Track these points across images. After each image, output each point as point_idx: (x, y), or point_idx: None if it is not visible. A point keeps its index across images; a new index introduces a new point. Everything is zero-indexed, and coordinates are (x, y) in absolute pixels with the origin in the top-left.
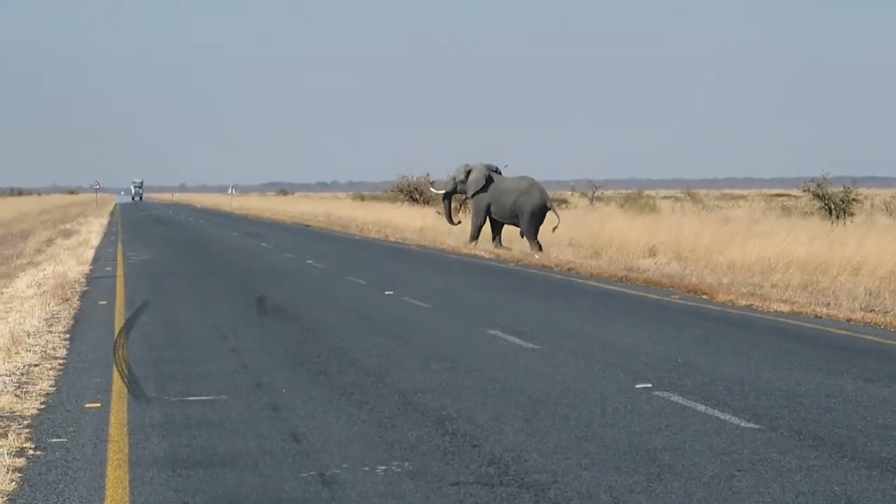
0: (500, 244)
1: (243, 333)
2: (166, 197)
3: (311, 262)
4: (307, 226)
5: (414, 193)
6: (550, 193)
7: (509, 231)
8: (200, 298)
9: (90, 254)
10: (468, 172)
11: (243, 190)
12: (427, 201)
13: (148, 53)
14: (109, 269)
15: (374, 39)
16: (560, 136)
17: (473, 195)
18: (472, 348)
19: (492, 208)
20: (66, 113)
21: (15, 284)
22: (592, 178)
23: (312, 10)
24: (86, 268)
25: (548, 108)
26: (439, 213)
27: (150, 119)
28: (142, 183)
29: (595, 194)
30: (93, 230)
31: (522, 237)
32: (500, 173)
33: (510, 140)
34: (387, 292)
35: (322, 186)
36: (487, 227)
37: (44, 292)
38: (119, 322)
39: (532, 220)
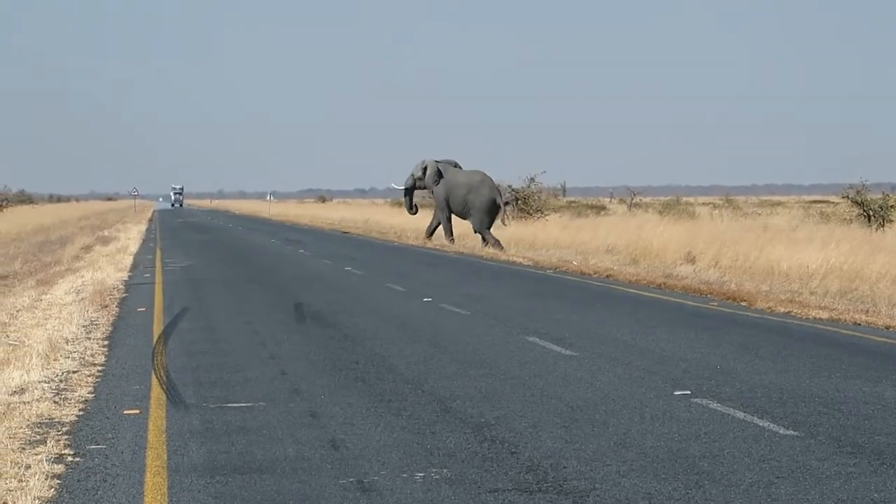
0: (452, 240)
1: (282, 340)
2: (205, 203)
3: (349, 268)
4: (345, 232)
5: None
6: (589, 200)
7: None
8: (239, 305)
9: (129, 260)
10: (424, 169)
11: (281, 196)
12: None
13: (186, 60)
14: (148, 275)
15: (413, 46)
16: (599, 143)
17: (433, 191)
18: (510, 355)
19: (448, 201)
20: (106, 120)
21: (54, 291)
22: (631, 185)
23: (358, 18)
24: (124, 274)
25: (586, 114)
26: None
27: (188, 126)
28: (182, 189)
29: (633, 201)
30: (131, 237)
31: (475, 232)
32: (458, 167)
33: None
34: (425, 299)
35: (360, 193)
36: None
37: (82, 299)
38: (158, 328)
39: (481, 216)
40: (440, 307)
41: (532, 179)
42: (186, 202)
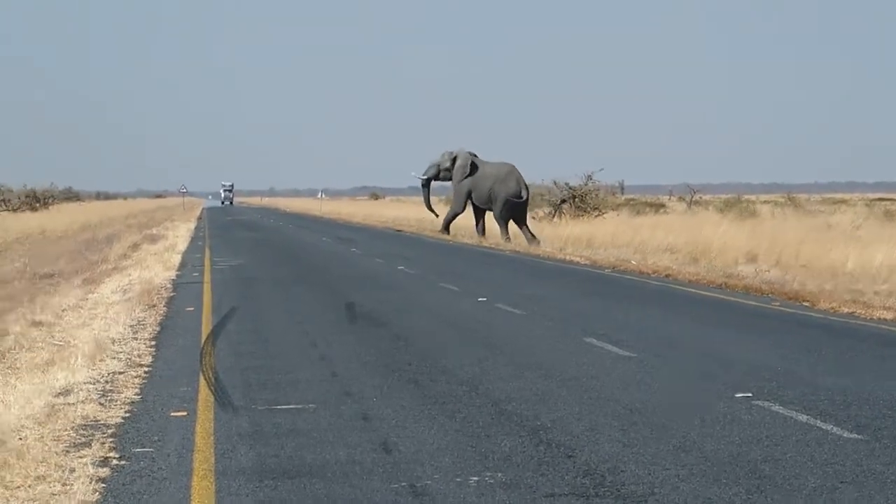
0: (483, 234)
1: (333, 340)
2: (255, 201)
3: (401, 267)
4: (398, 231)
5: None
6: (648, 198)
7: (576, 230)
8: (289, 305)
9: (177, 259)
10: (454, 159)
11: (333, 194)
12: None
13: (238, 55)
14: (196, 274)
15: (461, 41)
16: (658, 141)
17: (459, 182)
18: (567, 357)
19: (472, 194)
20: (154, 116)
21: (100, 290)
22: (690, 183)
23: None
24: (172, 273)
25: (646, 112)
26: (534, 217)
27: (239, 121)
28: (232, 186)
29: (693, 199)
30: (179, 235)
31: (478, 225)
32: (477, 157)
33: (607, 144)
34: (479, 299)
35: (415, 191)
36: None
37: (129, 298)
38: (206, 329)
39: (505, 208)
40: (495, 307)
41: (589, 177)
42: (237, 200)
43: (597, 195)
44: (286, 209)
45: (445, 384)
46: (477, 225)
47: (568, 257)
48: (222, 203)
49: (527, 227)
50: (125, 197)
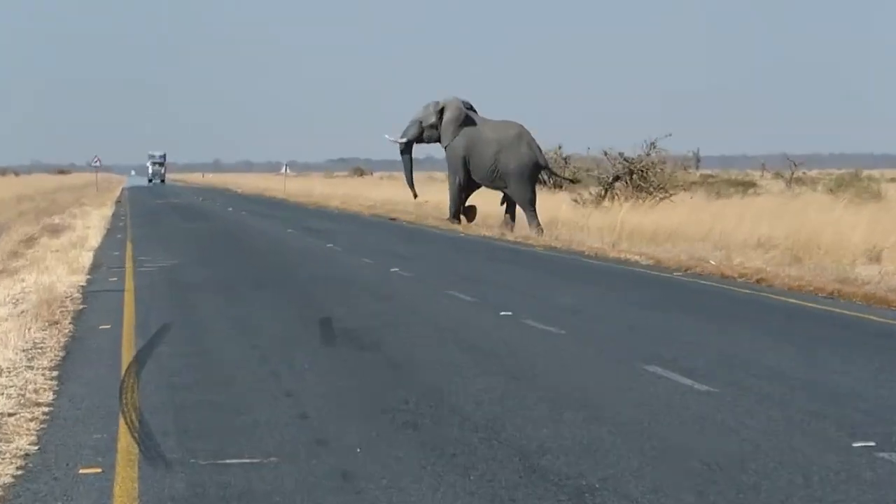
0: (512, 221)
1: (302, 370)
2: (195, 178)
3: (396, 269)
4: (392, 219)
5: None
6: (733, 174)
7: (634, 218)
8: (243, 321)
9: (87, 258)
10: (440, 111)
11: (302, 168)
12: (559, 184)
13: None
14: (115, 279)
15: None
16: (743, 99)
17: (447, 146)
18: (621, 391)
19: (470, 164)
20: (54, 66)
21: None
22: (790, 154)
23: None
24: (81, 278)
25: (727, 65)
26: (577, 200)
27: (172, 70)
28: (163, 158)
29: (794, 175)
30: (92, 224)
31: (506, 210)
32: (475, 112)
33: (677, 106)
34: (502, 312)
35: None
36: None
37: (22, 312)
38: (128, 354)
39: (521, 185)
40: (523, 323)
41: (652, 145)
42: (170, 176)
43: (662, 170)
44: (238, 189)
45: (457, 429)
46: (453, 208)
47: (623, 255)
48: (150, 181)
49: (532, 209)
50: (16, 172)
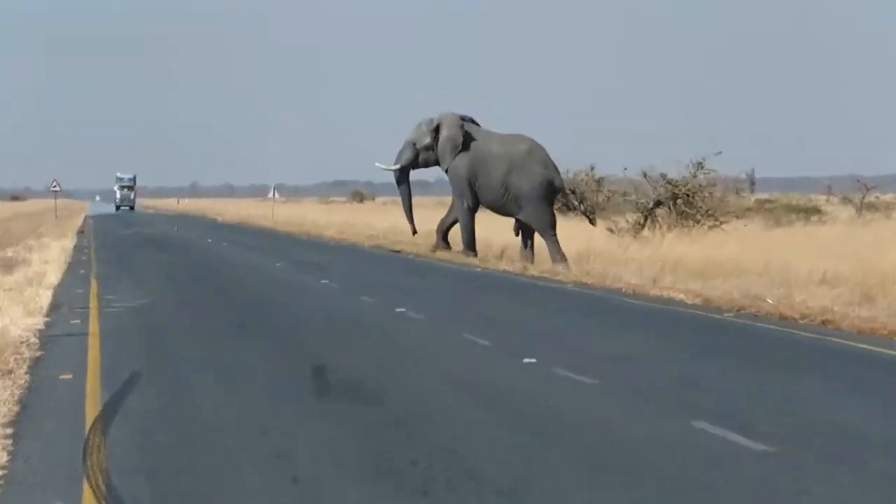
0: (530, 254)
1: (294, 426)
2: (170, 204)
3: (402, 310)
4: (396, 252)
5: (570, 196)
6: (794, 199)
7: (678, 249)
8: (225, 370)
9: (46, 297)
10: (435, 129)
11: (292, 192)
12: (592, 209)
13: None
14: (77, 321)
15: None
16: (805, 114)
17: (449, 167)
18: (666, 452)
19: (476, 185)
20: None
21: None
22: (860, 175)
23: None
24: (39, 320)
25: (780, 76)
26: (612, 229)
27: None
28: (133, 180)
29: (865, 200)
30: (51, 258)
31: (522, 240)
32: (477, 125)
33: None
34: (526, 360)
35: (422, 187)
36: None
37: None
38: (93, 408)
39: (538, 208)
40: (551, 373)
41: (700, 165)
42: (139, 202)
43: (711, 194)
44: (218, 216)
45: (474, 496)
46: (466, 240)
47: (666, 292)
48: (118, 207)
49: (553, 235)
50: None
